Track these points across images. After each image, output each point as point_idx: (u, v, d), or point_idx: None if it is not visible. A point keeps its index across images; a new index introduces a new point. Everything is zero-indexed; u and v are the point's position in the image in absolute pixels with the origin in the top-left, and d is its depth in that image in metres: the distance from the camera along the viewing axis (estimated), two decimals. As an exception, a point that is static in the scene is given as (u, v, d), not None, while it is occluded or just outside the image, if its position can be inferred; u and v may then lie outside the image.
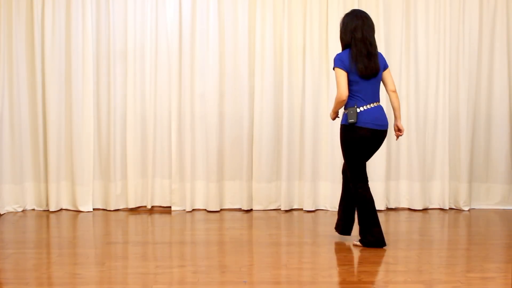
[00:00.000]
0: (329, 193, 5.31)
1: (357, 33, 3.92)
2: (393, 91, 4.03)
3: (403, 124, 5.31)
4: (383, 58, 4.04)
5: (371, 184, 5.30)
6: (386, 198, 5.38)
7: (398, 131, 4.13)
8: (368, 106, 3.93)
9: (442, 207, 5.40)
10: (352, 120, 3.87)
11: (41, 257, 3.80)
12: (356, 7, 5.24)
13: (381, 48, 5.24)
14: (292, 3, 5.28)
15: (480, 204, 5.48)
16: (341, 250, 3.99)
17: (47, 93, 5.15)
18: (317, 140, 5.27)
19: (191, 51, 5.25)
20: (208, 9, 5.22)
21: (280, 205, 5.34)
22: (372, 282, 3.27)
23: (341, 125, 4.00)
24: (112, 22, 5.20)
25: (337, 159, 5.22)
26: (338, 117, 4.16)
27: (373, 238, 3.97)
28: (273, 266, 3.59)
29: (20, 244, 4.10)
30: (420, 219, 5.03)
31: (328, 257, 3.83)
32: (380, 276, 3.38)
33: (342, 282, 3.30)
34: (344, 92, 3.87)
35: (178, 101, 5.27)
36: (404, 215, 5.19)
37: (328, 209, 5.31)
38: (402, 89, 5.32)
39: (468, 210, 5.37)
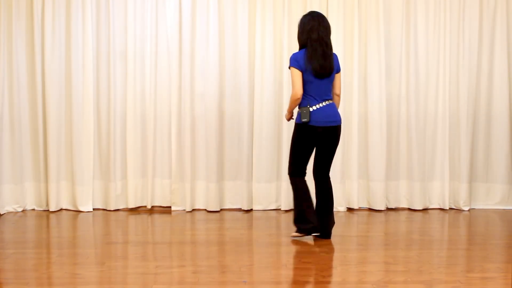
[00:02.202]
0: (329, 193, 5.31)
1: (313, 33, 4.07)
2: (338, 95, 4.23)
3: (403, 122, 5.36)
4: (338, 61, 4.20)
5: (371, 184, 5.34)
6: (386, 198, 5.38)
7: None
8: (320, 105, 4.09)
9: (442, 207, 5.40)
10: (306, 120, 4.04)
11: (41, 257, 3.80)
12: (356, 7, 5.26)
13: (381, 48, 5.26)
14: (292, 3, 5.28)
15: (480, 204, 5.48)
16: (341, 250, 3.99)
17: (47, 93, 5.15)
18: (317, 140, 5.27)
19: (191, 51, 5.25)
20: (208, 9, 5.22)
21: (280, 205, 5.34)
22: (372, 282, 3.27)
23: (296, 123, 4.17)
24: (112, 22, 5.20)
25: (337, 159, 5.22)
26: (293, 118, 4.32)
27: (309, 226, 4.13)
28: (273, 266, 3.59)
29: (20, 244, 4.10)
30: (420, 219, 5.03)
31: (328, 257, 3.82)
32: (380, 276, 3.38)
33: (342, 282, 3.30)
34: (299, 91, 4.05)
35: (178, 101, 5.27)
36: (404, 215, 5.19)
37: (328, 209, 5.32)
38: (402, 89, 5.32)
39: (468, 210, 5.37)
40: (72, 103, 5.20)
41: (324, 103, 4.09)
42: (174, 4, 5.22)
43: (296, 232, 4.22)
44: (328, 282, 3.29)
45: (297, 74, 4.05)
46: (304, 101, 4.09)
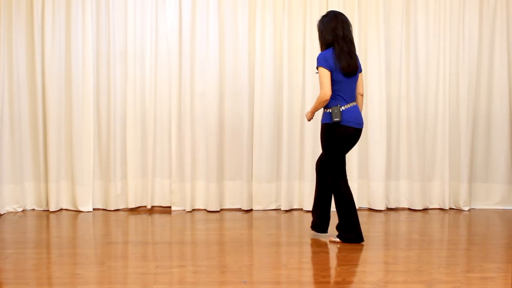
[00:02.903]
0: (329, 193, 5.31)
1: (339, 31, 4.00)
2: (362, 95, 4.17)
3: (403, 122, 5.36)
4: (359, 60, 4.15)
5: (371, 184, 5.34)
6: (386, 198, 5.38)
7: None
8: (348, 106, 4.03)
9: (442, 207, 5.40)
10: (337, 119, 3.95)
11: (41, 257, 3.80)
12: (356, 7, 5.26)
13: (381, 48, 5.26)
14: (292, 3, 5.28)
15: (480, 204, 5.48)
16: (341, 250, 3.99)
17: (47, 93, 5.15)
18: (317, 139, 5.25)
19: (191, 51, 5.25)
20: (208, 9, 5.22)
21: (280, 205, 5.34)
22: (372, 282, 3.27)
23: (324, 124, 4.07)
24: (112, 22, 5.20)
25: (337, 159, 5.22)
26: (312, 118, 4.26)
27: (352, 235, 4.07)
28: (273, 266, 3.59)
29: (20, 244, 4.10)
30: (420, 219, 5.03)
31: (328, 257, 3.83)
32: (380, 276, 3.38)
33: (342, 282, 3.30)
34: (328, 92, 3.95)
35: (178, 101, 5.27)
36: (404, 215, 5.19)
37: (328, 209, 5.32)
38: (402, 89, 5.32)
39: (468, 210, 5.37)
40: (72, 103, 5.20)
41: (351, 104, 4.04)
42: (174, 4, 5.22)
43: (337, 237, 4.13)
44: (328, 282, 3.30)
45: (326, 74, 3.95)
46: (333, 101, 4.00)
